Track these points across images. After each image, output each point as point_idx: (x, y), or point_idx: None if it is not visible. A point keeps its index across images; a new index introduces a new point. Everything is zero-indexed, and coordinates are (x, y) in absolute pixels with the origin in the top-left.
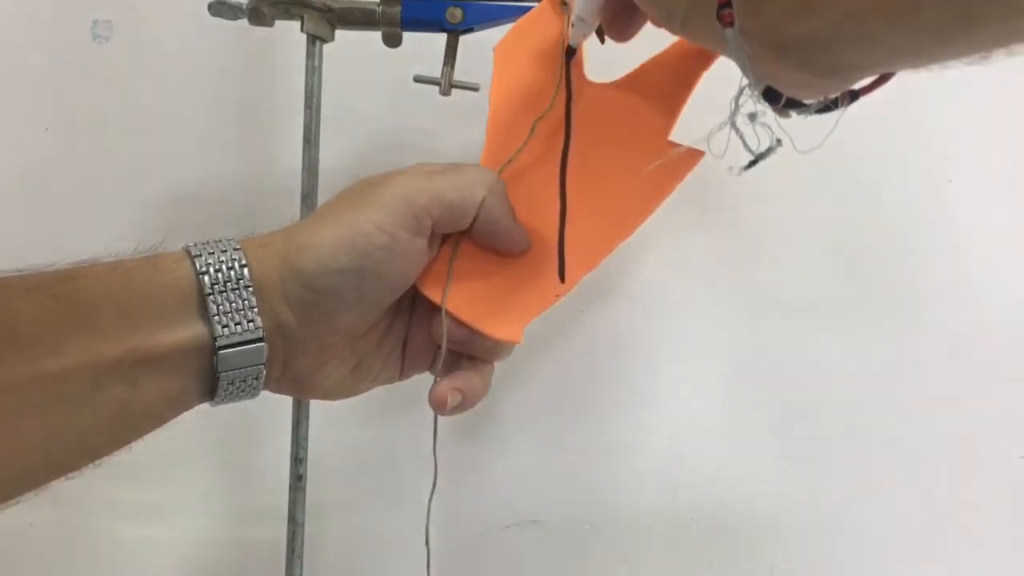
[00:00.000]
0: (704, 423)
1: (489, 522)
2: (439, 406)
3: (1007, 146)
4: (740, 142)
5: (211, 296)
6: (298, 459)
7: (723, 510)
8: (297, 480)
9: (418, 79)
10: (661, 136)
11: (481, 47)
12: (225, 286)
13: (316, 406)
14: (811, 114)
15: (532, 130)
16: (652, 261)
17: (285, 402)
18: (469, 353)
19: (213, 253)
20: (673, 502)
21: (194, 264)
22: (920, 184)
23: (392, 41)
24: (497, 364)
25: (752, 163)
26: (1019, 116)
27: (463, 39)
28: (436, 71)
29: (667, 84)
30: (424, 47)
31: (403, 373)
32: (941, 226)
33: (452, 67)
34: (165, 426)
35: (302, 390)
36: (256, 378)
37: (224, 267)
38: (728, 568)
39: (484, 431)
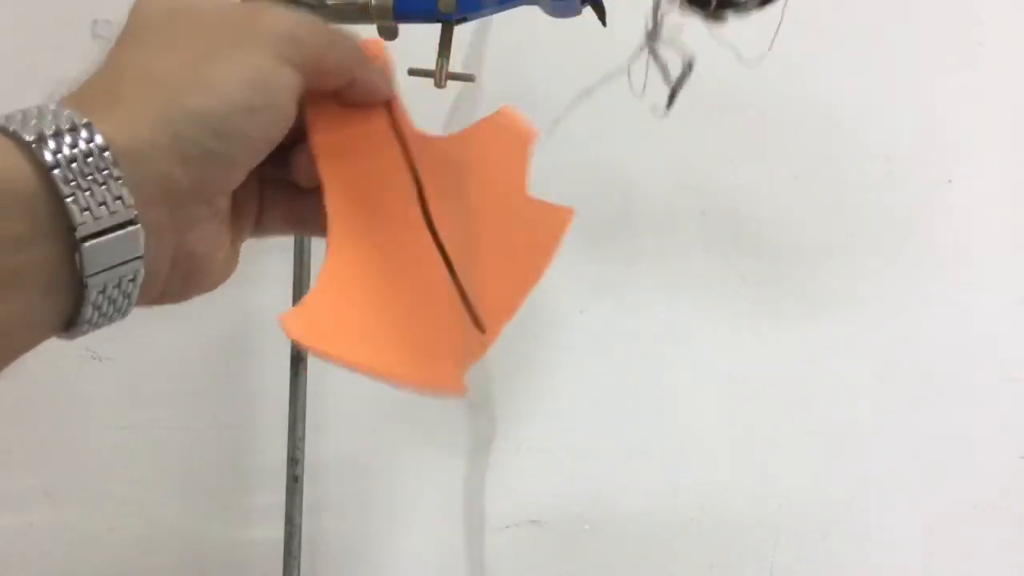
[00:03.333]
0: (704, 423)
1: (489, 522)
2: None
3: (1007, 146)
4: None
5: (57, 171)
6: (294, 460)
7: (723, 510)
8: (294, 481)
9: (412, 72)
10: (519, 191)
11: (475, 37)
12: (73, 153)
13: (312, 407)
14: (751, 10)
15: (415, 179)
16: (652, 261)
17: (281, 403)
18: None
19: (39, 119)
20: (673, 502)
21: (15, 136)
22: (920, 184)
23: (388, 34)
24: (497, 364)
25: (672, 97)
26: (1019, 116)
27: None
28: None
29: (504, 141)
30: (421, 40)
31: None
32: (941, 226)
33: (447, 58)
34: (163, 427)
35: (190, 286)
36: (132, 280)
37: (60, 128)
38: (728, 568)
39: (484, 431)
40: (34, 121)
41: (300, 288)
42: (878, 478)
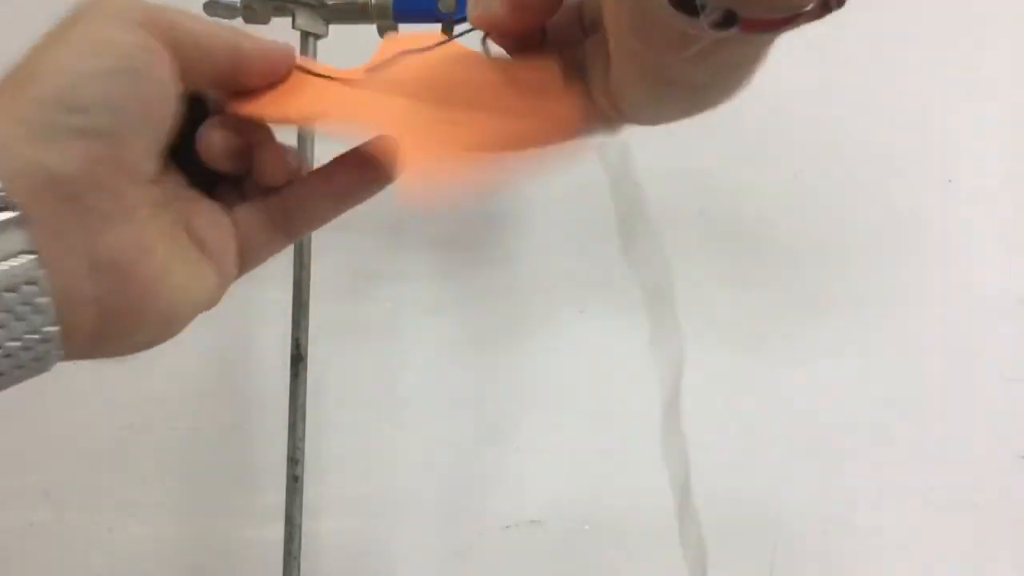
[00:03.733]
0: (704, 423)
1: (489, 522)
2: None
3: (1007, 146)
4: None
5: None
6: (294, 460)
7: (723, 510)
8: (293, 481)
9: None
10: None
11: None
12: None
13: (312, 407)
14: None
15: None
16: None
17: (281, 403)
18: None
19: None
20: (673, 502)
21: None
22: (920, 184)
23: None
24: (497, 364)
25: None
26: (1019, 116)
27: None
28: None
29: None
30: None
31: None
32: (941, 226)
33: None
34: (163, 427)
35: (134, 319)
36: (37, 294)
37: None
38: (728, 568)
39: (484, 432)
40: None
41: (300, 288)
42: (878, 478)
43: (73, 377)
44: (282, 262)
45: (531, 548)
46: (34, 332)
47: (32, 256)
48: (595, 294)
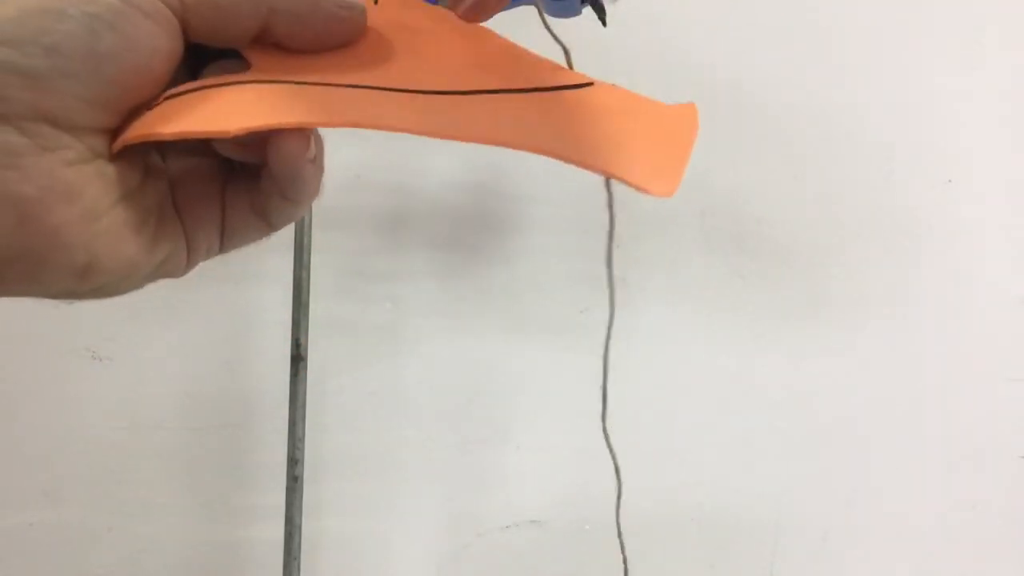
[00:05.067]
0: (704, 423)
1: (489, 522)
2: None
3: (1007, 146)
4: None
5: None
6: (294, 460)
7: (723, 510)
8: (293, 481)
9: None
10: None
11: None
12: None
13: (312, 407)
14: None
15: None
16: (651, 261)
17: (281, 403)
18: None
19: None
20: (673, 502)
21: None
22: (920, 184)
23: None
24: (496, 364)
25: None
26: (1019, 116)
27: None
28: None
29: None
30: None
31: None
32: (941, 226)
33: None
34: (163, 427)
35: (36, 255)
36: None
37: None
38: (728, 568)
39: (484, 432)
40: None
41: (300, 288)
42: (878, 478)
43: (73, 377)
44: (282, 262)
45: (531, 548)
46: None
47: None
48: (595, 294)
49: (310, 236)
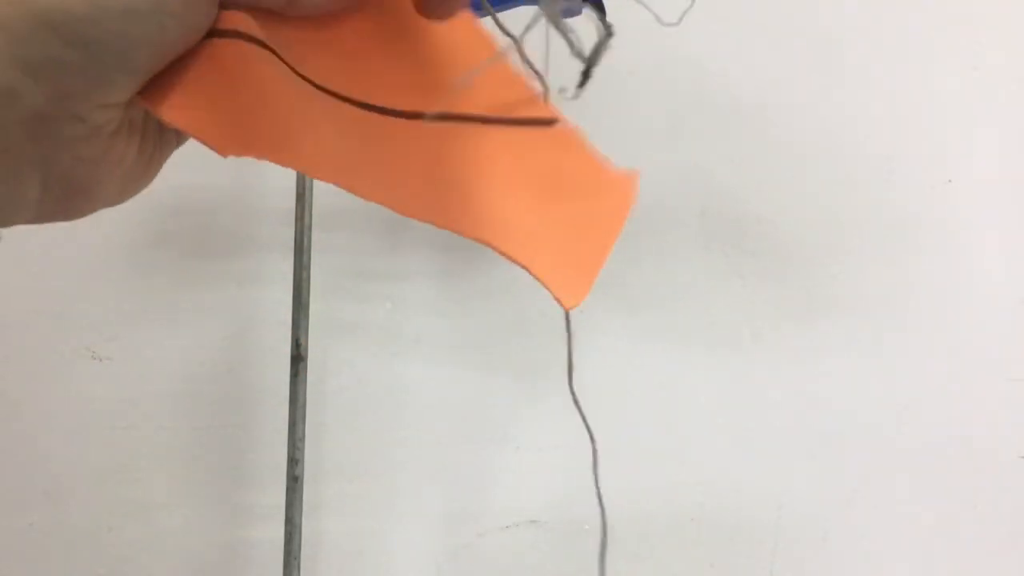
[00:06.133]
0: (703, 423)
1: (489, 522)
2: None
3: (1007, 146)
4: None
5: None
6: (294, 460)
7: (723, 510)
8: (293, 481)
9: None
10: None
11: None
12: None
13: (312, 407)
14: None
15: None
16: (651, 261)
17: (281, 403)
18: None
19: None
20: (673, 502)
21: None
22: (920, 184)
23: None
24: (497, 364)
25: (586, 75)
26: (1019, 116)
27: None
28: None
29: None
30: None
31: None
32: (941, 226)
33: None
34: (163, 427)
35: (72, 208)
36: None
37: None
38: (728, 568)
39: (484, 432)
40: None
41: (300, 288)
42: (878, 478)
43: (73, 377)
44: (282, 262)
45: (531, 548)
46: None
47: None
48: (595, 294)
49: (310, 236)
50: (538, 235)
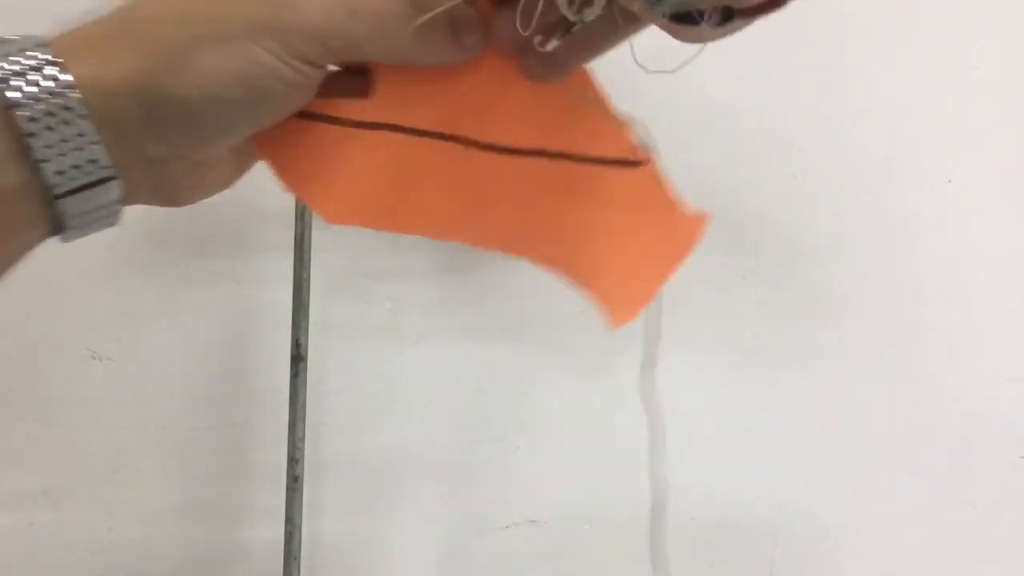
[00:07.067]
0: (704, 424)
1: (489, 522)
2: None
3: (1007, 146)
4: None
5: (32, 136)
6: (294, 460)
7: (723, 510)
8: (294, 481)
9: None
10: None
11: None
12: (49, 116)
13: (312, 407)
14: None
15: None
16: None
17: (281, 403)
18: None
19: (21, 73)
20: (673, 502)
21: None
22: (920, 184)
23: None
24: (497, 363)
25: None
26: (1019, 116)
27: None
28: None
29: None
30: None
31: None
32: (941, 226)
33: None
34: (163, 427)
35: (181, 202)
36: (111, 212)
37: (40, 84)
38: (728, 568)
39: (484, 431)
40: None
41: (300, 288)
42: (878, 478)
43: (73, 377)
44: (282, 262)
45: (531, 548)
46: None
47: (117, 206)
48: None
49: (310, 236)
50: (604, 263)
